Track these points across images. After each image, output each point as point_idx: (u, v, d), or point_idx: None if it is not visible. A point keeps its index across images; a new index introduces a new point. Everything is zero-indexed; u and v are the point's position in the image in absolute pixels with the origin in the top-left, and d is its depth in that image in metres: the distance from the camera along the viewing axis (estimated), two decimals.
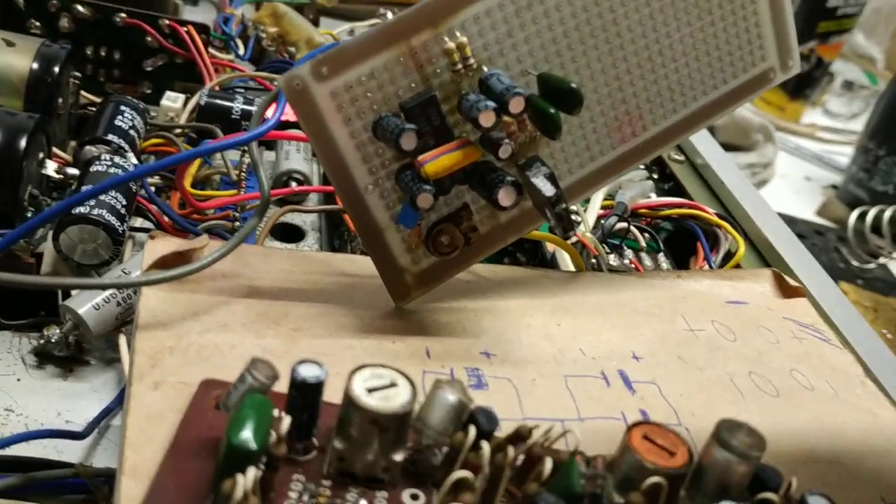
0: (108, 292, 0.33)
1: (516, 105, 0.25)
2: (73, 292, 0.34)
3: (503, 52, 0.27)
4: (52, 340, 0.33)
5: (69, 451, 0.30)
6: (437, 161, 0.25)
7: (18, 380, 0.33)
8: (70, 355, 0.34)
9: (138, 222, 0.40)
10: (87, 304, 0.33)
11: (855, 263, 0.75)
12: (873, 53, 1.14)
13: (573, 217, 0.43)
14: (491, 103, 0.24)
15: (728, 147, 0.82)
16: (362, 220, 0.27)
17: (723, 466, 0.21)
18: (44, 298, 0.35)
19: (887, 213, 0.74)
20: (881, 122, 0.86)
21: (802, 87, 1.02)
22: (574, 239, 0.39)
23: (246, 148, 0.41)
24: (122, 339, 0.33)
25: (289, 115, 0.29)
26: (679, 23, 0.29)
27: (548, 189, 0.25)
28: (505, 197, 0.26)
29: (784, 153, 0.95)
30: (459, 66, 0.25)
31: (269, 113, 0.28)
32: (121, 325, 0.34)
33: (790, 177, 0.93)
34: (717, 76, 0.30)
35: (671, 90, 0.29)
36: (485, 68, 0.26)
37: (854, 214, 0.76)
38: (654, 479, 0.20)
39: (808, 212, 0.88)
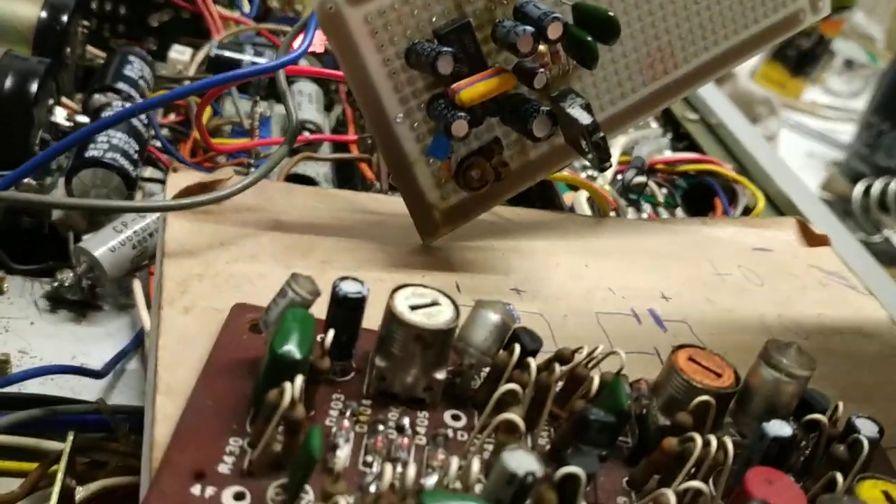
0: (123, 235, 0.32)
1: (555, 30, 0.24)
2: (86, 236, 0.33)
3: None
4: (66, 284, 0.32)
5: (86, 392, 0.29)
6: (473, 88, 0.24)
7: (32, 323, 0.32)
8: (83, 300, 0.33)
9: (148, 172, 0.39)
10: (103, 247, 0.32)
11: (859, 236, 0.75)
12: (873, 33, 1.14)
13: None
14: (529, 28, 0.24)
15: None
16: (392, 152, 0.26)
17: (771, 386, 0.21)
18: (53, 246, 0.35)
19: (892, 186, 0.74)
20: (885, 98, 0.86)
21: (803, 65, 1.02)
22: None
23: (258, 97, 0.40)
24: (137, 284, 0.33)
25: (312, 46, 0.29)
26: None
27: (584, 118, 0.24)
28: (539, 127, 0.25)
29: (785, 129, 0.95)
30: None
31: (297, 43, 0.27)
32: (135, 270, 0.33)
33: (792, 152, 0.93)
34: (749, 15, 0.30)
35: (703, 28, 0.29)
36: None
37: (859, 187, 0.76)
38: (703, 397, 0.20)
39: (811, 187, 0.88)
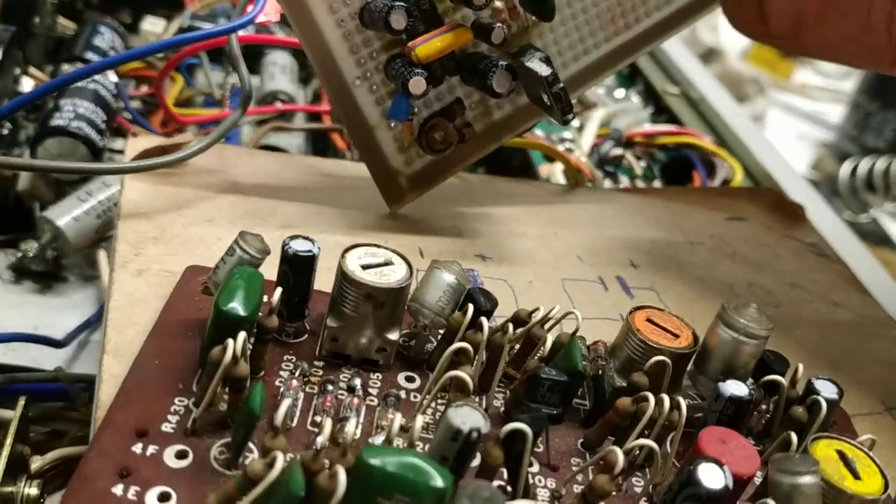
0: (87, 205, 0.32)
1: None
2: (52, 205, 0.33)
3: None
4: (30, 255, 0.32)
5: (48, 362, 0.29)
6: (429, 44, 0.24)
7: None
8: (48, 270, 0.32)
9: (118, 144, 0.38)
10: (67, 216, 0.31)
11: (846, 216, 0.75)
12: None
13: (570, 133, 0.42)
14: None
15: None
16: (353, 117, 0.26)
17: (729, 346, 0.20)
18: (18, 217, 0.34)
19: (879, 165, 0.73)
20: (874, 78, 0.85)
21: None
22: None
23: (229, 61, 0.39)
24: (102, 255, 0.32)
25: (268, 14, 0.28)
26: None
27: (543, 69, 0.24)
28: (499, 82, 0.25)
29: (776, 110, 0.95)
30: None
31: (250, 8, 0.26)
32: (100, 241, 0.33)
33: (782, 133, 0.92)
34: None
35: None
36: None
37: (846, 166, 0.75)
38: (659, 357, 0.19)
39: (800, 167, 0.88)
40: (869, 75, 0.87)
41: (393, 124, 0.26)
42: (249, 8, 0.27)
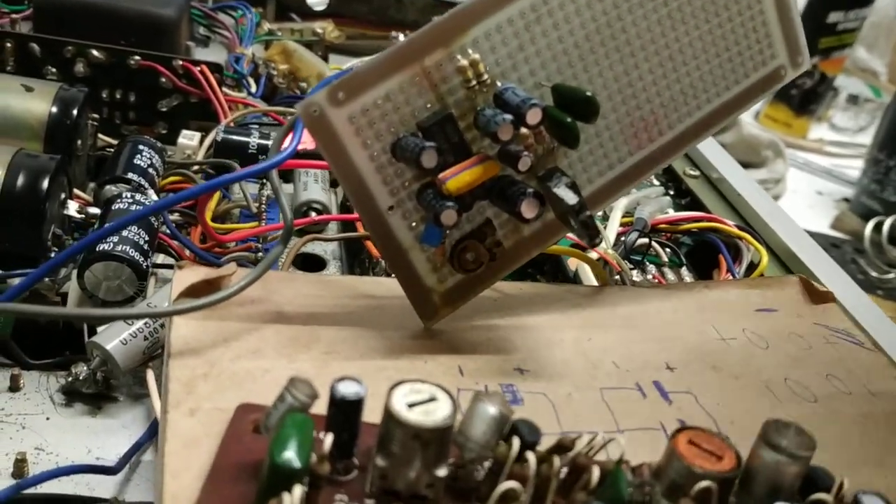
0: (134, 327, 0.33)
1: (534, 116, 0.25)
2: (100, 329, 0.34)
3: (516, 67, 0.27)
4: (80, 378, 0.33)
5: (101, 488, 0.30)
6: (459, 177, 0.25)
7: (48, 418, 0.32)
8: (98, 392, 0.33)
9: (160, 258, 0.40)
10: (115, 340, 0.33)
11: (874, 274, 0.75)
12: (876, 67, 1.15)
13: None
14: (508, 116, 0.24)
15: None
16: (386, 242, 0.27)
17: (772, 468, 0.21)
18: (69, 338, 0.35)
19: None
20: (889, 132, 0.86)
21: (807, 103, 1.02)
22: (595, 255, 0.39)
23: (265, 179, 0.41)
24: (150, 374, 0.33)
25: (304, 143, 0.29)
26: (688, 26, 0.29)
27: (570, 198, 0.25)
28: (528, 209, 0.26)
29: (793, 169, 0.95)
30: (473, 82, 0.26)
31: (287, 142, 0.28)
32: (148, 360, 0.34)
33: (801, 192, 0.93)
34: (730, 77, 0.30)
35: (684, 94, 0.29)
36: (499, 83, 0.26)
37: (870, 225, 0.75)
38: (704, 483, 0.20)
39: (823, 225, 0.88)
40: (883, 129, 0.87)
41: (426, 247, 0.27)
42: (286, 141, 0.28)
